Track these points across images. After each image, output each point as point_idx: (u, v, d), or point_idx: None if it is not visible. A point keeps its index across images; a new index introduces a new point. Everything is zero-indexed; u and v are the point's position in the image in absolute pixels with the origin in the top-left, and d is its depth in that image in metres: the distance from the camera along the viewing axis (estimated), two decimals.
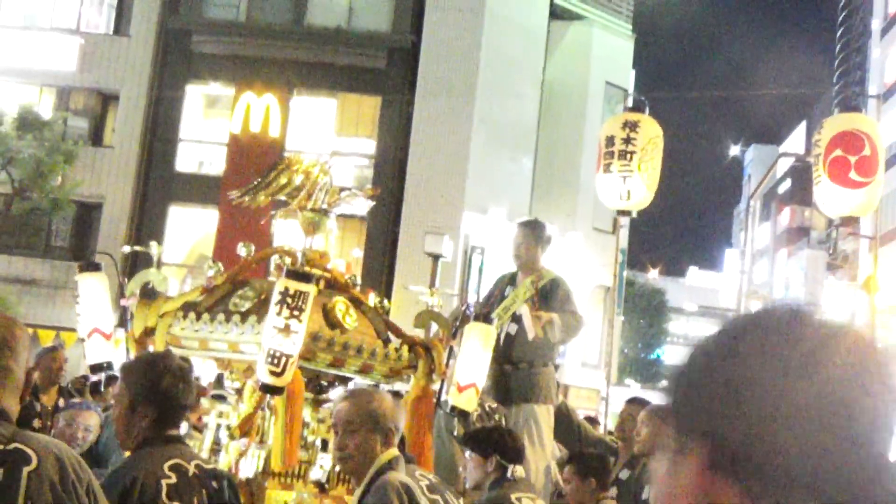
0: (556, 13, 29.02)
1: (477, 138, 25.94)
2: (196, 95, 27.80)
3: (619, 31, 30.76)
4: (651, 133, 8.14)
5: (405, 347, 5.23)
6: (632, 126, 8.09)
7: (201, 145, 27.69)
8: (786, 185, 53.77)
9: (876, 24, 40.19)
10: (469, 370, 5.20)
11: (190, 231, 26.91)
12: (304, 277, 4.66)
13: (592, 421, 9.98)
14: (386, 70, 26.81)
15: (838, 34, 57.28)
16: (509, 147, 26.40)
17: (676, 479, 1.05)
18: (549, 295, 6.58)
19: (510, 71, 26.44)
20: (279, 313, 4.53)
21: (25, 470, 2.67)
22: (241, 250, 5.35)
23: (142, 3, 27.39)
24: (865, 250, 38.49)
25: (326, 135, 27.05)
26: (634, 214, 8.57)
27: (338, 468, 4.77)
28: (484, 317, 5.34)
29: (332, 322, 5.07)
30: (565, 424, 6.66)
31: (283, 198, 5.53)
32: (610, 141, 8.10)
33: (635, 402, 7.16)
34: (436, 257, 21.48)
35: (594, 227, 28.51)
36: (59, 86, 27.50)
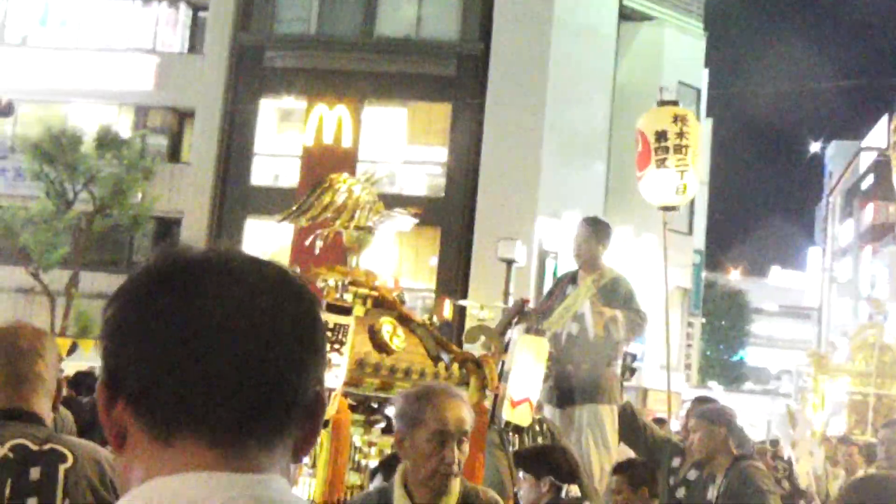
0: (626, 15, 28.70)
1: (548, 144, 25.73)
2: (269, 109, 28.05)
3: (690, 29, 30.31)
4: (696, 128, 8.18)
5: (455, 365, 5.11)
6: (682, 120, 7.99)
7: (276, 158, 27.92)
8: (868, 180, 52.52)
9: None
10: (522, 384, 5.07)
11: (267, 243, 27.16)
12: (343, 311, 4.58)
13: (660, 422, 9.79)
14: (456, 78, 26.75)
15: None
16: (581, 152, 26.13)
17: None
18: (611, 293, 6.43)
19: (580, 76, 26.18)
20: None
21: (62, 468, 2.73)
22: None
23: (215, 22, 27.81)
24: None
25: (398, 144, 27.09)
26: (678, 210, 8.38)
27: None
28: (536, 330, 5.20)
29: (378, 344, 4.96)
30: (630, 425, 6.48)
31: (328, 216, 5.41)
32: (661, 136, 7.95)
33: (702, 401, 6.98)
34: (509, 263, 21.37)
35: (670, 228, 28.09)
36: (136, 104, 28.02)
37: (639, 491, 5.01)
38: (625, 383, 22.28)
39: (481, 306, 5.58)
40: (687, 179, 7.97)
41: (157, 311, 1.13)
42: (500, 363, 5.20)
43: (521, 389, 5.02)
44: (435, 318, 5.59)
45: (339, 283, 5.07)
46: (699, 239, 33.67)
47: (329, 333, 4.48)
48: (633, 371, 23.57)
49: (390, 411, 5.29)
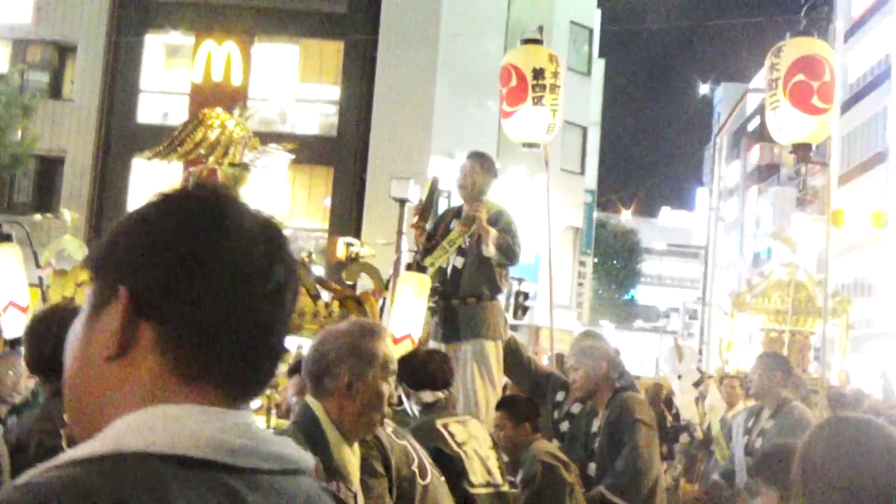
0: None
1: (442, 82, 25.54)
2: (156, 45, 27.15)
3: None
4: (563, 69, 8.12)
5: (336, 303, 4.93)
6: (556, 61, 8.02)
7: (163, 96, 27.08)
8: (755, 122, 53.59)
9: None
10: (404, 321, 4.92)
11: (153, 184, 26.42)
12: None
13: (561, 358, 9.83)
14: (348, 14, 26.27)
15: None
16: (475, 91, 25.97)
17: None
18: (493, 224, 6.31)
19: (474, 14, 25.97)
20: None
21: None
22: None
23: None
24: (834, 185, 38.45)
25: (290, 82, 26.58)
26: (542, 147, 8.35)
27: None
28: (418, 266, 5.04)
29: None
30: (515, 359, 6.40)
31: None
32: (539, 73, 7.87)
33: (588, 336, 6.96)
34: (402, 202, 21.18)
35: (562, 168, 28.25)
36: (14, 39, 26.78)
37: (521, 426, 4.92)
38: (518, 321, 22.41)
39: (361, 243, 5.39)
40: (557, 119, 7.97)
41: (211, 253, 1.16)
42: (381, 300, 5.03)
43: (402, 326, 4.87)
44: (314, 256, 5.38)
45: None
46: (591, 179, 34.01)
47: None
48: (525, 309, 23.72)
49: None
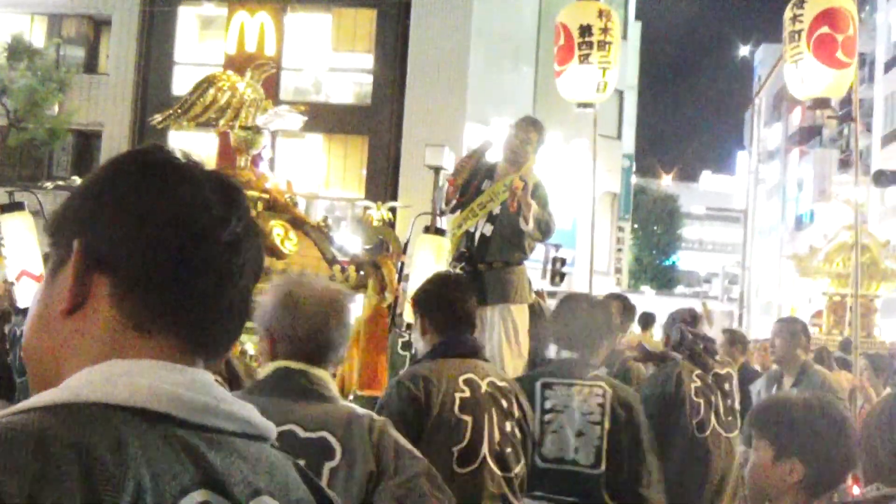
0: None
1: (476, 48, 25.27)
2: (189, 17, 27.11)
3: None
4: (618, 24, 7.90)
5: (352, 267, 4.80)
6: (607, 15, 7.71)
7: (197, 67, 27.00)
8: None
9: None
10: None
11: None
12: None
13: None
14: None
15: None
16: (509, 56, 25.71)
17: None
18: (535, 190, 6.16)
19: None
20: None
21: None
22: None
23: None
24: (877, 146, 37.75)
25: (323, 51, 26.44)
26: (595, 108, 8.11)
27: None
28: (435, 229, 4.88)
29: (269, 248, 4.63)
30: (539, 322, 6.28)
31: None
32: (587, 31, 7.63)
33: (613, 298, 6.84)
34: (437, 170, 21.02)
35: (599, 133, 27.95)
36: (49, 13, 26.88)
37: None
38: (555, 287, 22.24)
39: (378, 206, 5.24)
40: (608, 77, 7.69)
41: (162, 205, 1.16)
42: (400, 264, 4.88)
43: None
44: (329, 220, 5.24)
45: None
46: (628, 144, 33.61)
47: None
48: (562, 276, 23.56)
49: None
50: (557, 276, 24.85)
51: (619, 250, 31.44)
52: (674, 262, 65.33)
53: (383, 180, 25.47)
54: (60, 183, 20.99)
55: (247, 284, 1.22)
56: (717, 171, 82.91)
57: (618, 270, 31.20)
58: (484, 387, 3.60)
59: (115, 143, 25.83)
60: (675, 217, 63.76)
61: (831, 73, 6.77)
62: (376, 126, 25.59)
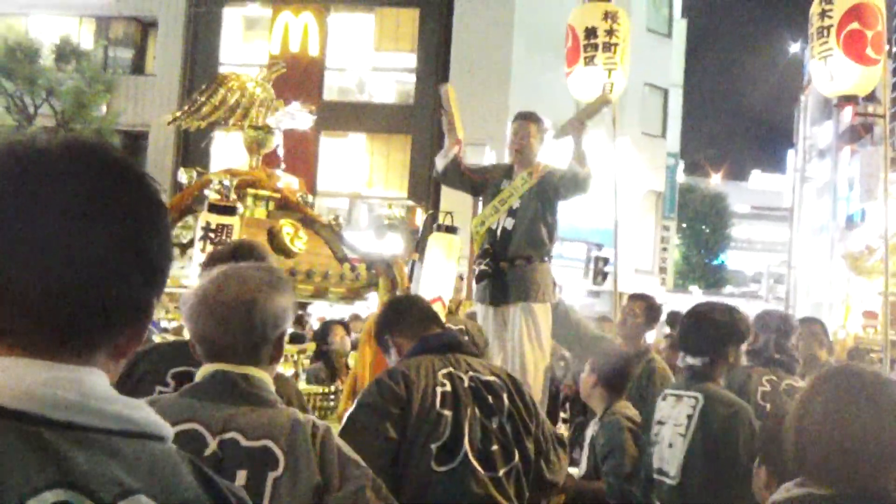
0: None
1: (518, 45, 25.16)
2: (234, 18, 27.28)
3: None
4: (626, 25, 7.83)
5: (362, 265, 4.72)
6: (613, 17, 7.65)
7: (242, 68, 27.10)
8: None
9: None
10: (433, 283, 4.69)
11: (235, 155, 26.61)
12: (227, 210, 4.18)
13: (606, 319, 9.61)
14: None
15: None
16: (552, 52, 25.48)
17: None
18: (548, 180, 6.09)
19: None
20: (203, 249, 4.11)
21: None
22: (182, 177, 4.86)
23: None
24: None
25: (366, 51, 26.47)
26: (610, 108, 8.03)
27: None
28: (447, 227, 4.80)
29: (278, 246, 4.57)
30: (563, 323, 6.16)
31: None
32: (591, 33, 7.62)
33: (638, 299, 6.70)
34: None
35: (642, 131, 27.69)
36: (97, 15, 27.21)
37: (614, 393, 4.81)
38: (597, 286, 22.04)
39: (389, 205, 5.17)
40: (614, 78, 7.68)
41: None
42: (411, 263, 4.80)
43: (432, 287, 4.64)
44: (340, 219, 5.17)
45: (231, 185, 4.64)
46: (673, 142, 33.26)
47: (212, 235, 4.11)
48: (605, 275, 23.34)
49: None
50: (600, 275, 24.70)
51: (664, 250, 31.10)
52: (722, 262, 64.61)
53: (426, 179, 25.43)
54: None
55: (107, 271, 1.15)
56: (767, 170, 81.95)
57: (662, 270, 30.86)
58: (466, 381, 3.44)
59: (160, 143, 26.08)
60: (724, 216, 63.08)
61: (860, 69, 6.64)
62: (419, 125, 25.54)
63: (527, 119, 6.50)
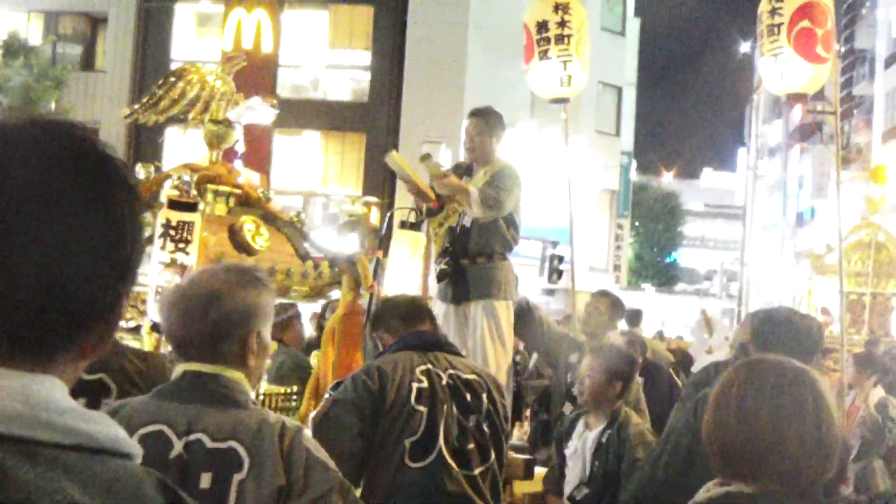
0: None
1: (473, 44, 25.14)
2: (186, 14, 27.01)
3: None
4: (581, 16, 7.67)
5: (325, 263, 4.66)
6: (563, 8, 7.57)
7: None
8: None
9: None
10: (399, 281, 4.63)
11: (187, 152, 26.34)
12: (187, 207, 4.09)
13: (568, 317, 9.56)
14: None
15: None
16: (508, 51, 25.49)
17: None
18: (491, 178, 6.00)
19: None
20: (163, 247, 4.07)
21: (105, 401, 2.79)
22: (140, 172, 4.75)
23: None
24: (878, 142, 37.56)
25: (320, 48, 26.35)
26: (568, 102, 7.98)
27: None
28: (412, 224, 4.74)
29: (238, 243, 4.49)
30: (526, 320, 6.11)
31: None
32: (542, 27, 7.57)
33: (602, 296, 6.68)
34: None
35: (597, 129, 27.81)
36: (45, 11, 26.83)
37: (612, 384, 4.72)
38: (553, 285, 22.06)
39: (352, 201, 5.10)
40: (571, 70, 7.56)
41: None
42: (375, 260, 4.73)
43: (397, 285, 4.59)
44: (302, 216, 5.09)
45: (192, 180, 4.55)
46: (627, 141, 33.41)
47: (172, 232, 4.03)
48: (560, 273, 23.38)
49: None
50: (555, 272, 24.73)
51: (618, 248, 31.25)
52: (674, 260, 65.05)
53: (381, 177, 25.33)
54: None
55: (54, 266, 1.05)
56: (719, 168, 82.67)
57: (616, 268, 31.00)
58: (445, 379, 3.43)
59: (111, 140, 25.43)
60: (677, 214, 63.52)
61: (811, 67, 6.68)
62: (374, 123, 25.47)
63: (478, 116, 6.40)
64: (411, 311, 3.73)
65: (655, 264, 61.27)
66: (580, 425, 4.85)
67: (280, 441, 2.32)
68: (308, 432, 2.42)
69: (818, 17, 6.63)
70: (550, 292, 25.64)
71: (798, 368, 2.15)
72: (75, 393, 2.92)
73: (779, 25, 6.66)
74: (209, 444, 2.31)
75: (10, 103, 23.48)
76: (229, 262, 2.61)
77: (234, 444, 2.30)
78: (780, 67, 6.74)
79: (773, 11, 6.72)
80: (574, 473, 4.68)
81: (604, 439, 4.63)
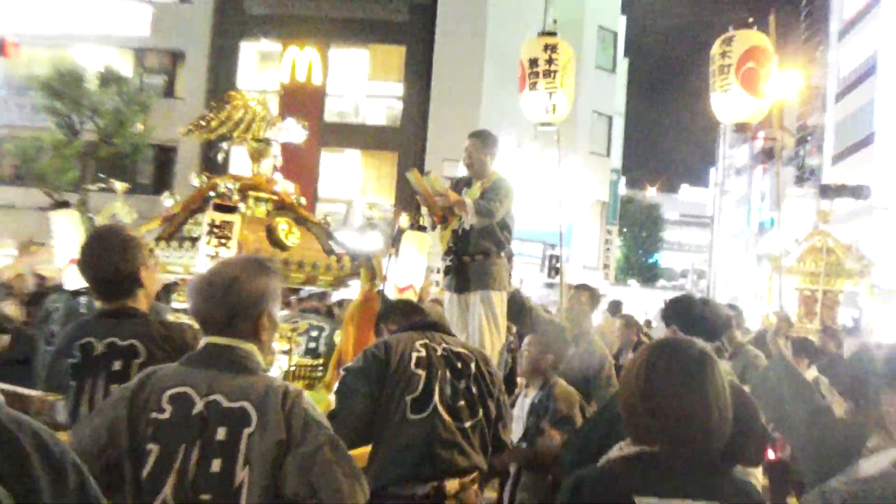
0: None
1: (488, 77, 25.08)
2: (250, 51, 27.07)
3: None
4: (567, 55, 7.58)
5: (346, 257, 4.65)
6: (552, 48, 7.50)
7: (261, 95, 26.93)
8: None
9: None
10: (406, 273, 4.62)
11: (247, 165, 26.39)
12: (228, 209, 4.11)
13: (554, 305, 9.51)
14: (409, 23, 25.88)
15: None
16: (515, 85, 25.48)
17: None
18: (488, 192, 5.98)
19: (516, 18, 25.41)
20: (209, 242, 4.06)
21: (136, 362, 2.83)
22: (195, 181, 4.78)
23: None
24: (828, 164, 37.20)
25: (360, 81, 26.34)
26: (556, 126, 7.91)
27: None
28: (417, 225, 4.73)
29: (274, 240, 4.49)
30: (518, 308, 6.10)
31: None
32: (533, 62, 7.49)
33: (581, 288, 6.63)
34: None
35: (590, 151, 27.71)
36: (135, 48, 26.94)
37: (545, 356, 4.69)
38: (552, 280, 21.88)
39: (369, 206, 5.08)
40: (555, 100, 7.43)
41: None
42: (388, 256, 4.73)
43: (405, 277, 4.59)
44: (328, 218, 5.09)
45: (234, 188, 4.55)
46: (616, 161, 33.25)
47: (216, 230, 4.05)
48: (557, 270, 23.26)
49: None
50: (553, 270, 24.63)
51: (608, 250, 31.09)
52: (656, 261, 64.79)
53: (410, 189, 25.30)
54: (101, 186, 21.26)
55: None
56: (694, 184, 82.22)
57: (606, 266, 30.84)
58: (439, 351, 3.50)
59: (187, 156, 25.84)
60: (658, 222, 63.29)
61: (755, 101, 6.60)
62: (405, 143, 25.45)
63: (475, 137, 6.38)
64: (409, 308, 3.87)
65: (640, 264, 61.08)
66: (521, 395, 4.91)
67: (283, 402, 2.34)
68: (307, 396, 2.41)
69: (761, 59, 6.55)
70: (550, 286, 25.52)
71: (697, 349, 2.11)
72: (111, 356, 2.93)
73: (728, 66, 6.59)
74: (225, 403, 2.32)
75: (104, 125, 23.64)
76: (245, 254, 2.61)
77: (245, 403, 2.32)
78: (729, 100, 6.67)
79: (724, 54, 6.66)
80: (516, 434, 4.70)
81: (536, 401, 4.64)
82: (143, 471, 2.26)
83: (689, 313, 3.86)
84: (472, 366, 3.55)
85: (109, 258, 2.97)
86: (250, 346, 2.42)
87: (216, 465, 2.25)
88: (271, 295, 2.45)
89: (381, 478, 3.34)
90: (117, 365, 2.81)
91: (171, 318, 4.39)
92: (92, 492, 1.35)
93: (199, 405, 2.33)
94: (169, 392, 2.33)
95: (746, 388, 5.05)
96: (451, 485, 3.36)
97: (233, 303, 2.40)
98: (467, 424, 3.47)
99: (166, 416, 2.31)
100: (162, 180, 26.16)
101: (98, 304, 3.09)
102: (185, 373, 2.39)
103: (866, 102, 33.68)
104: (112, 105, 23.60)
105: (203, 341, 2.44)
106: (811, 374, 7.22)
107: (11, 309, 8.23)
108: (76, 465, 1.25)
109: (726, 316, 5.02)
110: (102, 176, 24.10)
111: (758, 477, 5.24)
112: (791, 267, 12.62)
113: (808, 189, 38.55)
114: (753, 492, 2.07)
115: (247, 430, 2.29)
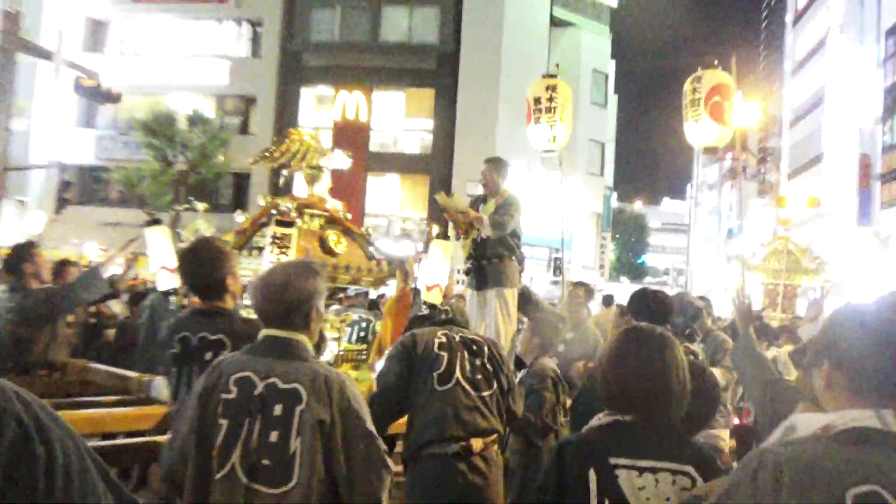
0: (556, 22, 27.74)
1: (502, 113, 25.04)
2: (309, 96, 27.22)
3: (601, 31, 29.32)
4: (566, 93, 7.55)
5: (385, 262, 4.63)
6: (553, 88, 7.47)
7: (315, 131, 27.08)
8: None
9: (788, 18, 37.76)
10: (433, 274, 4.59)
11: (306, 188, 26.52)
12: (288, 224, 4.11)
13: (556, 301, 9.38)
14: (437, 70, 25.91)
15: (763, 25, 53.94)
16: (524, 118, 25.44)
17: None
18: (500, 207, 5.95)
19: (524, 65, 25.37)
20: (272, 251, 4.04)
21: (223, 353, 2.70)
22: (261, 202, 4.79)
23: (268, 34, 26.94)
24: (784, 180, 36.69)
25: (398, 117, 26.41)
26: (557, 152, 7.84)
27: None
28: (443, 235, 4.71)
29: (325, 249, 4.48)
30: (527, 301, 6.07)
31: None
32: (537, 100, 7.49)
33: (578, 284, 6.55)
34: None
35: (588, 172, 27.58)
36: (216, 94, 27.19)
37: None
38: (556, 278, 21.70)
39: (405, 219, 5.07)
40: (556, 131, 7.44)
41: None
42: (419, 261, 4.70)
43: (432, 277, 4.56)
44: (370, 230, 5.07)
45: (293, 206, 4.56)
46: (609, 179, 33.02)
47: (278, 241, 4.05)
48: (560, 270, 23.04)
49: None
50: (557, 269, 24.51)
51: (603, 252, 30.88)
52: (643, 261, 64.29)
53: (438, 207, 25.25)
54: (187, 206, 21.31)
55: None
56: (674, 198, 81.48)
57: (601, 266, 30.64)
58: (457, 338, 3.50)
59: (259, 181, 26.01)
60: (644, 229, 62.85)
61: (720, 129, 6.53)
62: (435, 168, 25.46)
63: (489, 162, 6.34)
64: (428, 315, 3.93)
65: (629, 264, 60.65)
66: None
67: (327, 386, 2.31)
68: (350, 384, 2.39)
69: (725, 94, 6.48)
70: (555, 283, 25.39)
71: (658, 333, 2.09)
72: (204, 348, 2.90)
73: (698, 99, 6.53)
74: (280, 385, 2.30)
75: (192, 157, 23.88)
76: (296, 259, 2.60)
77: (297, 385, 2.30)
78: (699, 129, 6.61)
79: (694, 90, 6.61)
80: None
81: (522, 376, 4.58)
82: (216, 440, 2.25)
83: (639, 304, 4.01)
84: (485, 348, 3.54)
85: (204, 267, 2.97)
86: (302, 337, 2.40)
87: (274, 436, 2.24)
88: (319, 292, 2.43)
89: (419, 440, 3.32)
90: (209, 356, 2.80)
91: (243, 313, 4.40)
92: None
93: (259, 387, 2.31)
94: (235, 376, 2.32)
95: (716, 369, 4.96)
96: (477, 443, 3.33)
97: (288, 300, 2.38)
98: (485, 393, 3.44)
99: (233, 395, 2.29)
100: (239, 201, 26.32)
101: (195, 302, 3.12)
102: (247, 360, 2.37)
103: (815, 128, 33.19)
104: (198, 141, 23.87)
105: (262, 333, 2.41)
106: (770, 353, 7.10)
107: (118, 307, 8.31)
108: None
109: (697, 307, 4.94)
110: (191, 198, 24.35)
111: (726, 440, 5.15)
112: (757, 265, 12.50)
113: (768, 200, 38.05)
114: (712, 456, 2.02)
115: (298, 407, 2.27)
